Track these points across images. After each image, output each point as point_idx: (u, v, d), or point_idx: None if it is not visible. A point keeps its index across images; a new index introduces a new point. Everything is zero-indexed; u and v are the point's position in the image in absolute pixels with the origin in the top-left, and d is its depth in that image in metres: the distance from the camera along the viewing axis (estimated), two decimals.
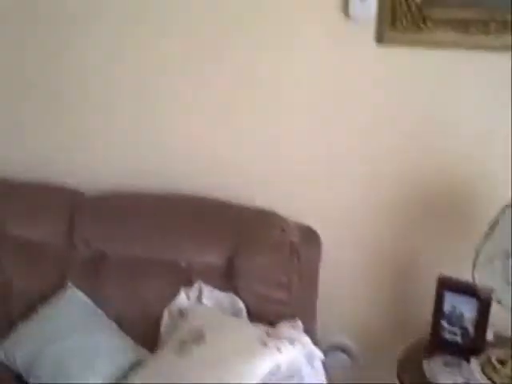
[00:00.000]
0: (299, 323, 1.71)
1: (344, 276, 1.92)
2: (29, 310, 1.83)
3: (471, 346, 1.70)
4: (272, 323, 1.71)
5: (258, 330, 1.66)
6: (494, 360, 1.64)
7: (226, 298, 1.77)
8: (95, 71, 2.04)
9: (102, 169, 2.09)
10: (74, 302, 1.84)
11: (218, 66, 1.92)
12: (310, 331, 1.71)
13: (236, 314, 1.75)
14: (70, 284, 1.86)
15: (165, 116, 2.02)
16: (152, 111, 2.02)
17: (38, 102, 2.11)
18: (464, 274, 1.64)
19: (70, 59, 2.04)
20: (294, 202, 1.92)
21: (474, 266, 1.58)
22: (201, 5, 1.88)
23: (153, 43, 1.95)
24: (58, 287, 1.86)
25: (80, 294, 1.85)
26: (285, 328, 1.68)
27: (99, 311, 1.83)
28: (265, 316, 1.74)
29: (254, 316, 1.74)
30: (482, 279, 1.59)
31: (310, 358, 1.62)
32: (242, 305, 1.76)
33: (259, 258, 1.77)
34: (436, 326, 1.76)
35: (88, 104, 2.07)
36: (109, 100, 2.05)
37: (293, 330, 1.67)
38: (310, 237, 1.83)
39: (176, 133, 2.02)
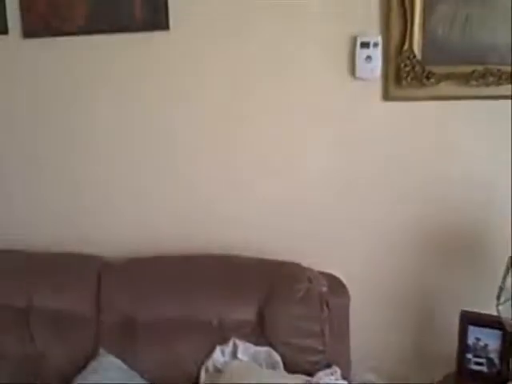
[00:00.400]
0: (337, 369, 1.77)
1: (369, 317, 1.99)
2: (65, 381, 1.83)
3: (498, 376, 1.80)
4: (309, 373, 1.77)
5: (299, 380, 1.71)
6: None
7: (261, 351, 1.82)
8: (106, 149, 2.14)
9: (120, 235, 2.15)
10: (109, 368, 1.85)
11: (223, 123, 2.03)
12: (346, 376, 1.78)
13: (273, 366, 1.79)
14: (102, 351, 1.88)
15: (179, 182, 2.11)
16: (164, 178, 2.11)
17: (54, 174, 2.18)
18: (482, 307, 1.77)
19: (87, 137, 2.14)
20: (310, 252, 2.01)
21: (498, 300, 1.69)
22: (212, 88, 2.01)
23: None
24: (91, 355, 1.87)
25: (114, 360, 1.86)
26: (325, 376, 1.74)
27: (135, 375, 1.85)
28: (301, 366, 1.79)
29: (291, 367, 1.79)
30: (505, 312, 1.71)
31: None
32: (278, 357, 1.80)
33: (290, 310, 1.83)
34: (462, 359, 1.85)
35: (101, 176, 2.15)
36: (121, 171, 2.14)
37: (332, 377, 1.74)
38: (336, 285, 1.90)
39: (189, 198, 2.11)
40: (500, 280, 1.69)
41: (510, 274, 1.67)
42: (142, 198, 2.13)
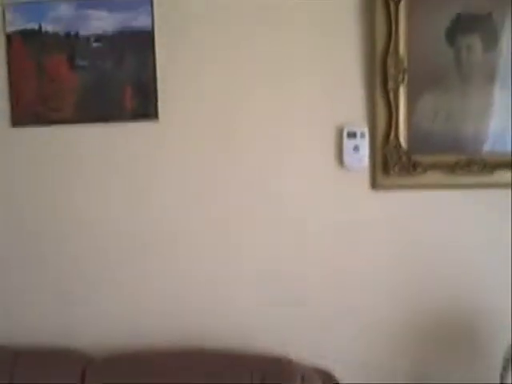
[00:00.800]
0: None
1: None
2: None
3: None
4: None
5: None
6: None
7: None
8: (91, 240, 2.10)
9: (105, 330, 2.08)
10: None
11: (215, 211, 2.01)
12: None
13: None
14: None
15: (165, 278, 2.06)
16: (149, 276, 2.07)
17: (36, 266, 2.13)
18: None
19: (72, 224, 2.10)
20: (300, 341, 1.96)
21: None
22: (195, 161, 2.01)
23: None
24: None
25: None
26: None
27: None
28: None
29: None
30: None
31: None
32: None
33: None
34: None
35: (86, 270, 2.10)
36: (106, 265, 2.09)
37: None
38: (329, 382, 1.84)
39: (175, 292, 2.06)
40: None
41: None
42: (126, 290, 2.08)
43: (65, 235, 2.10)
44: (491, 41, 1.81)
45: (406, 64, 1.83)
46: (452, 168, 1.84)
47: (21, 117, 2.09)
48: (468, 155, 1.84)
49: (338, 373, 1.89)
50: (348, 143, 1.89)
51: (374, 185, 1.90)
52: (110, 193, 2.07)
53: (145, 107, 2.02)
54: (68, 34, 2.04)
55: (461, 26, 1.81)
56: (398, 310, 1.92)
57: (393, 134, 1.86)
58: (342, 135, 1.90)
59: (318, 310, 1.97)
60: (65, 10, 2.02)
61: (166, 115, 2.01)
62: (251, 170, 1.98)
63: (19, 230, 2.13)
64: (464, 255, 1.89)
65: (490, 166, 1.83)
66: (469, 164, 1.84)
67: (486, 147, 1.84)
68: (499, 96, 1.82)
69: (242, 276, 2.02)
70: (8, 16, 2.05)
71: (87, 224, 2.08)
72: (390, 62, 1.82)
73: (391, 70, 1.82)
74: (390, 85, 1.84)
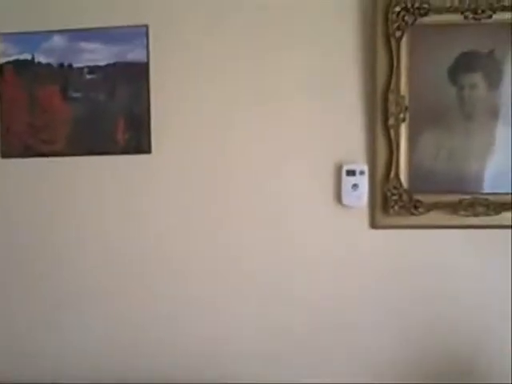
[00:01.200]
0: None
1: None
2: None
3: None
4: None
5: None
6: None
7: None
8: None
9: (97, 366, 2.02)
10: None
11: (209, 246, 1.96)
12: None
13: None
14: None
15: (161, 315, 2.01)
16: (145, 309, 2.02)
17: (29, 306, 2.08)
18: None
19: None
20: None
21: None
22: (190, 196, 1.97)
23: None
24: None
25: None
26: None
27: None
28: None
29: None
30: None
31: None
32: None
33: None
34: None
35: (80, 302, 2.04)
36: (101, 296, 2.03)
37: None
38: None
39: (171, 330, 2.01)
40: None
41: None
42: (120, 324, 2.03)
43: (57, 269, 2.04)
44: (494, 79, 1.78)
45: (407, 101, 1.79)
46: (455, 208, 1.79)
47: (11, 148, 2.04)
48: (471, 195, 1.79)
49: None
50: (347, 181, 1.84)
51: (374, 224, 1.85)
52: (102, 226, 2.01)
53: (137, 140, 1.98)
54: (61, 65, 2.00)
55: (463, 64, 1.77)
56: (395, 347, 1.88)
57: (393, 172, 1.81)
58: (340, 172, 1.85)
59: (316, 347, 1.92)
60: (58, 42, 1.99)
61: (159, 149, 1.97)
62: (248, 206, 1.93)
63: (10, 262, 2.07)
64: (464, 294, 1.84)
65: (494, 207, 1.77)
66: (472, 204, 1.79)
67: (490, 187, 1.79)
68: (502, 134, 1.78)
69: (243, 317, 1.96)
70: (0, 46, 2.02)
71: (80, 257, 2.03)
72: (391, 99, 1.78)
73: (392, 108, 1.78)
74: (391, 122, 1.79)
